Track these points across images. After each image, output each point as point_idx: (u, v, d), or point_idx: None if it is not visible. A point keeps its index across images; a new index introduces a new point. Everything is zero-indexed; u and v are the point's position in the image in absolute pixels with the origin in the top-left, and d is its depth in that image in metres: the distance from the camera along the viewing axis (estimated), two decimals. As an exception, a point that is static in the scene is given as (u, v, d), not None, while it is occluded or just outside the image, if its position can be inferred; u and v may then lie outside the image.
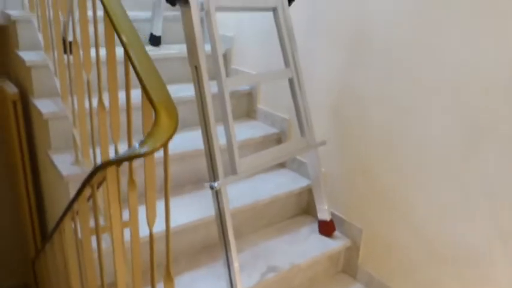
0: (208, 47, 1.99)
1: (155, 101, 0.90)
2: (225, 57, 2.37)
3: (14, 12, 2.01)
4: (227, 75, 2.37)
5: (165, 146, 0.84)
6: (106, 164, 0.90)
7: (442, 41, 1.38)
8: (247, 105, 2.29)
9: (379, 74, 1.59)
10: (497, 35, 1.24)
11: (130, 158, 0.83)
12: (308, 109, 1.68)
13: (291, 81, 1.65)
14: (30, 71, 1.84)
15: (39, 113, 1.72)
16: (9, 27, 2.10)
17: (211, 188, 1.35)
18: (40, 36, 1.84)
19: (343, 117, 1.77)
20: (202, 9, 1.41)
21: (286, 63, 1.65)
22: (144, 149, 0.82)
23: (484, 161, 1.33)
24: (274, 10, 1.63)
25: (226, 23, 2.35)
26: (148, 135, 0.85)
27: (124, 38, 1.05)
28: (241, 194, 1.80)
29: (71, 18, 1.54)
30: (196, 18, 1.34)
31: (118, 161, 0.85)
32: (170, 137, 0.85)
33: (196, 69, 1.35)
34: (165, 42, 2.44)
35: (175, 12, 2.47)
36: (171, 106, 0.89)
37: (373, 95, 1.62)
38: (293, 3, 1.87)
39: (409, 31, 1.46)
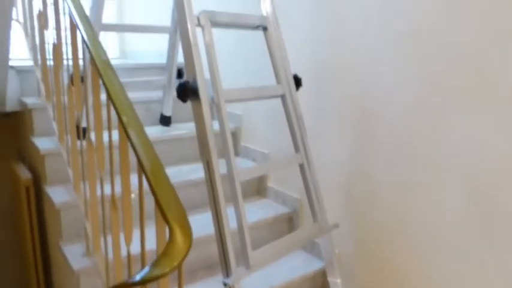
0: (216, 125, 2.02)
1: (169, 216, 0.90)
2: (234, 134, 2.41)
3: (30, 101, 2.09)
4: (237, 153, 2.40)
5: (179, 267, 0.83)
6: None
7: (450, 122, 1.39)
8: (257, 184, 2.29)
9: (387, 154, 1.60)
10: (504, 118, 1.25)
11: (144, 282, 0.81)
12: (320, 192, 1.67)
13: (301, 166, 1.65)
14: (44, 158, 1.88)
15: (52, 202, 1.73)
16: (25, 114, 2.16)
17: (225, 284, 1.32)
18: (54, 125, 1.89)
19: (355, 198, 1.76)
20: (212, 102, 1.45)
21: (296, 149, 1.67)
22: (158, 271, 0.81)
23: (503, 246, 1.29)
24: (282, 97, 1.67)
25: (235, 102, 2.41)
26: (163, 255, 0.84)
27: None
28: (254, 279, 1.76)
29: (84, 106, 1.59)
30: (207, 112, 1.37)
31: (130, 285, 0.83)
32: (185, 257, 0.84)
33: (208, 164, 1.36)
34: (176, 120, 2.49)
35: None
36: (185, 222, 0.89)
37: (382, 175, 1.62)
38: (300, 89, 1.91)
39: (417, 112, 1.48)
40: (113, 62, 1.42)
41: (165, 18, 2.54)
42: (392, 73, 1.57)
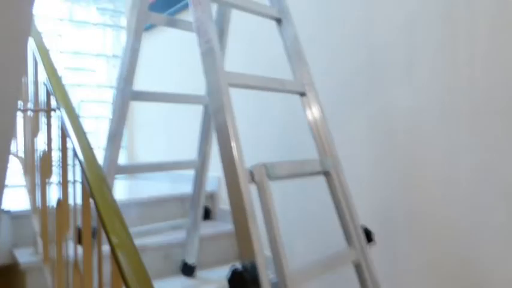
0: None
1: None
2: (212, 197, 2.24)
3: (24, 257, 1.68)
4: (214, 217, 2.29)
5: None
6: None
7: None
8: None
9: None
10: None
11: None
12: None
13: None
14: None
15: None
16: (18, 273, 1.74)
17: None
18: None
19: None
20: None
21: (349, 242, 1.23)
22: None
23: None
24: (326, 174, 1.28)
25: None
26: None
27: None
28: None
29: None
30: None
31: None
32: None
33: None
34: (200, 266, 2.06)
35: (214, 229, 2.15)
36: None
37: None
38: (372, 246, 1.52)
39: None
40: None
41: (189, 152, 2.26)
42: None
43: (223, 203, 2.35)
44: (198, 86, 2.44)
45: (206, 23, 1.13)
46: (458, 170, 1.31)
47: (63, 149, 1.33)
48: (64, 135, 1.32)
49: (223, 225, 2.25)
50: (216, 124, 1.09)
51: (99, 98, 3.34)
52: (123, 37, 3.49)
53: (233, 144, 1.04)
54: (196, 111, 2.24)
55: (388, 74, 1.50)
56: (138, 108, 3.25)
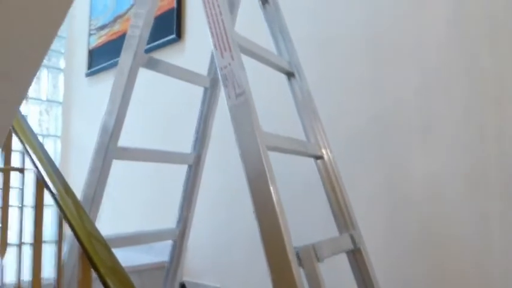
0: None
1: None
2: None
3: None
4: None
5: None
6: None
7: None
8: None
9: None
10: None
11: None
12: None
13: None
14: None
15: None
16: None
17: None
18: None
19: None
20: None
21: None
22: None
23: None
24: (357, 251, 1.10)
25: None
26: None
27: None
28: None
29: None
30: None
31: None
32: None
33: None
34: None
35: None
36: None
37: None
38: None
39: None
40: None
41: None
42: None
43: (185, 276, 2.04)
44: (154, 136, 2.18)
45: (238, 72, 0.95)
46: (490, 240, 1.22)
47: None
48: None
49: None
50: (255, 195, 0.89)
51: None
52: (61, 80, 3.13)
53: (280, 221, 0.85)
54: (175, 171, 1.91)
55: (402, 136, 1.41)
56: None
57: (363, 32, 1.53)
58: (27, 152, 1.07)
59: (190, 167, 1.54)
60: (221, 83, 0.97)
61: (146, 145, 1.57)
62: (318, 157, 1.22)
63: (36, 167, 1.03)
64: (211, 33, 1.01)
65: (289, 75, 1.30)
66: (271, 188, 0.87)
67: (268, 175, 0.88)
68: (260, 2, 1.38)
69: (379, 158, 1.46)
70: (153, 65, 1.32)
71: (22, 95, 0.72)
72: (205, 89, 1.50)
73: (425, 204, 1.34)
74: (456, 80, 1.31)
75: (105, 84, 2.67)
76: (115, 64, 2.47)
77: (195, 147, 1.52)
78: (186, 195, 1.55)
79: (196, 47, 2.15)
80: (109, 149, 1.18)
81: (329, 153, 1.23)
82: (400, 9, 1.45)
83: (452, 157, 1.30)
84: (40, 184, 1.06)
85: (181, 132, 2.13)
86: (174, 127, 2.19)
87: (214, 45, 1.00)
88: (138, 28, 1.18)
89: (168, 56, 2.24)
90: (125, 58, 1.19)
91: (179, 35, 2.20)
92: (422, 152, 1.36)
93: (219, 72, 0.98)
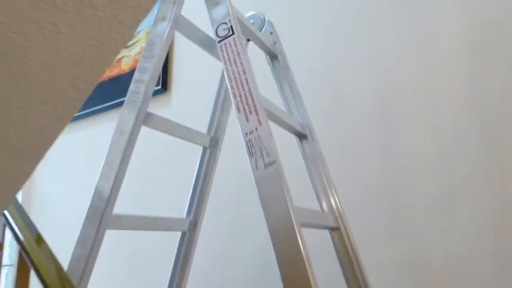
0: None
1: None
2: None
3: None
4: None
5: None
6: None
7: None
8: None
9: None
10: None
11: None
12: None
13: None
14: None
15: None
16: None
17: None
18: None
19: None
20: None
21: None
22: None
23: None
24: None
25: None
26: None
27: None
28: None
29: None
30: None
31: None
32: None
33: None
34: None
35: None
36: None
37: None
38: None
39: None
40: None
41: None
42: None
43: None
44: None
45: (266, 138, 0.86)
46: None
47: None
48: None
49: None
50: (288, 281, 0.77)
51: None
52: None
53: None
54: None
55: (416, 206, 1.34)
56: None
57: (373, 96, 1.49)
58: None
59: (183, 233, 1.39)
60: (246, 151, 0.86)
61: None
62: (334, 229, 1.12)
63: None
64: (233, 94, 0.92)
65: (301, 137, 1.22)
66: (310, 276, 0.75)
67: (305, 260, 0.76)
68: (268, 58, 1.32)
69: (390, 233, 1.38)
70: (151, 121, 1.20)
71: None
72: (204, 149, 1.39)
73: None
74: (475, 146, 1.27)
75: (80, 133, 2.49)
76: (93, 112, 2.32)
77: (191, 212, 1.38)
78: (177, 261, 1.39)
79: (183, 99, 2.05)
80: (104, 217, 1.03)
81: (345, 224, 1.13)
82: (410, 71, 1.42)
83: (471, 231, 1.24)
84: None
85: (158, 192, 1.98)
86: (150, 186, 2.04)
87: (237, 108, 0.90)
88: (143, 84, 1.07)
89: (154, 107, 2.12)
90: (126, 116, 1.07)
91: (165, 86, 2.10)
92: (440, 227, 1.29)
93: (243, 138, 0.88)
